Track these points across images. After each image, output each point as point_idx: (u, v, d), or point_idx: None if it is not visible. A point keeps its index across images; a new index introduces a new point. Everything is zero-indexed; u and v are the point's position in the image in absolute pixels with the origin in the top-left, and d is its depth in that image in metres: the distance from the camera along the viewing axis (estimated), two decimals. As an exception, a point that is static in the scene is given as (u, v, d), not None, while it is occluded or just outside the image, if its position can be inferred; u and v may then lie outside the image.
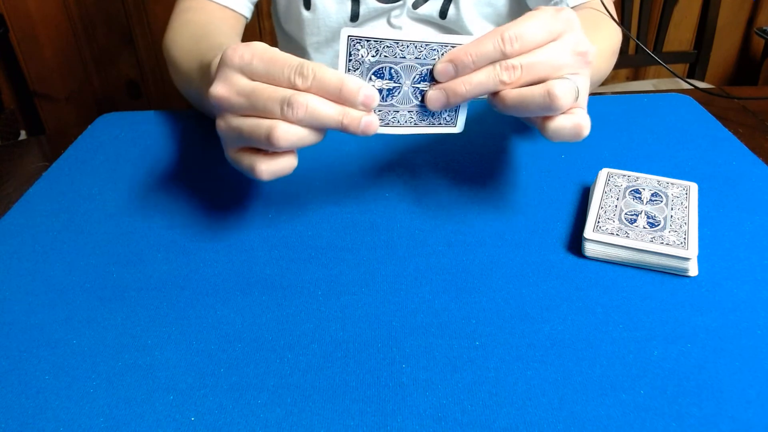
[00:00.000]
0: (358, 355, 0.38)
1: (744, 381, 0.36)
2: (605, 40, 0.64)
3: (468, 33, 0.77)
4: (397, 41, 0.40)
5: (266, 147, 0.39)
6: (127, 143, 0.64)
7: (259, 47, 0.39)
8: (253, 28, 1.73)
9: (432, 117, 0.45)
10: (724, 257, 0.45)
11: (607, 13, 0.65)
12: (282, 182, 0.55)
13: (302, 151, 0.62)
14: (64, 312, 0.42)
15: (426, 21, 0.77)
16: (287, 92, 0.38)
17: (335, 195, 0.54)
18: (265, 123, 0.38)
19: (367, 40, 0.40)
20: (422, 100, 0.43)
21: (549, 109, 0.40)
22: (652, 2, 1.54)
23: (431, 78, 0.42)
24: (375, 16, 0.77)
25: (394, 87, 0.42)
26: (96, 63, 1.76)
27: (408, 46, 0.41)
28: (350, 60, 0.40)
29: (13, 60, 1.69)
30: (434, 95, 0.42)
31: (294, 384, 0.36)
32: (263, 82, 0.39)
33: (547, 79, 0.40)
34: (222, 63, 0.40)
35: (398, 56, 0.41)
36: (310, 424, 0.34)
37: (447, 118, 0.45)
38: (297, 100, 0.37)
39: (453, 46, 0.41)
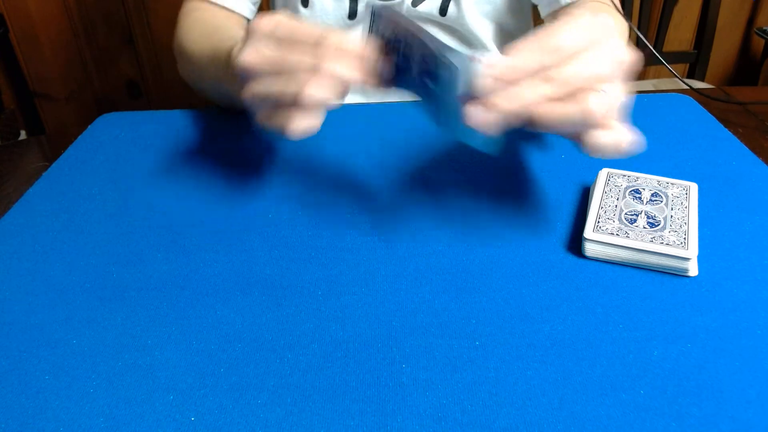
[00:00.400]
0: (358, 355, 0.38)
1: (744, 381, 0.36)
2: None
3: (468, 31, 0.77)
4: (412, 35, 0.41)
5: (295, 105, 0.41)
6: (127, 143, 0.64)
7: (284, 17, 0.43)
8: (253, 28, 1.73)
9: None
10: (724, 257, 0.45)
11: (614, 8, 0.65)
12: (282, 182, 0.55)
13: (302, 150, 0.62)
14: (64, 312, 0.42)
15: (426, 19, 0.77)
16: (313, 55, 0.41)
17: (335, 195, 0.54)
18: (293, 83, 0.41)
19: (388, 21, 0.43)
20: (431, 95, 0.41)
21: (585, 125, 0.39)
22: (652, 2, 1.54)
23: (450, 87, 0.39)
24: (374, 14, 0.77)
25: (405, 67, 0.43)
26: (96, 63, 1.76)
27: (418, 46, 0.41)
28: (372, 32, 0.45)
29: (13, 60, 1.69)
30: (474, 112, 0.38)
31: (294, 384, 0.36)
32: (289, 48, 0.42)
33: (586, 91, 0.38)
34: (249, 33, 0.43)
35: (408, 48, 0.42)
36: (310, 424, 0.34)
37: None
38: (323, 62, 0.40)
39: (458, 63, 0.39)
